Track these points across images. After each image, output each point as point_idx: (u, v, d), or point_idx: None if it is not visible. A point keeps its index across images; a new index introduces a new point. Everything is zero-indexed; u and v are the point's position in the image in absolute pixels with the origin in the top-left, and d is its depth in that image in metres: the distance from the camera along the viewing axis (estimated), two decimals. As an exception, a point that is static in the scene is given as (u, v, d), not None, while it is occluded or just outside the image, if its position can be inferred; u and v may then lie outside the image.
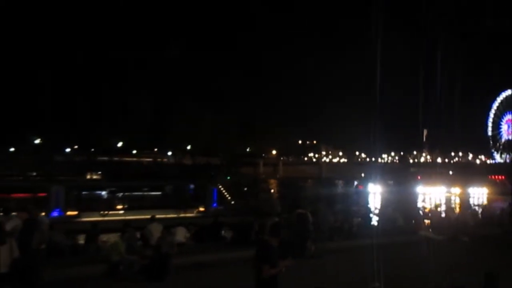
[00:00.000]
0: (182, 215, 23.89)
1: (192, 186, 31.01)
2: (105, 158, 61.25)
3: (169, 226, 14.66)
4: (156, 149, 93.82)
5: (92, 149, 69.24)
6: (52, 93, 65.33)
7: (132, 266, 11.13)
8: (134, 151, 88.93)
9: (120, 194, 28.45)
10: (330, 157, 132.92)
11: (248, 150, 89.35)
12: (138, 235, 14.21)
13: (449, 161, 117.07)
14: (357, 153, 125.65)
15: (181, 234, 15.21)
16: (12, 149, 67.85)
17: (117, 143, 72.63)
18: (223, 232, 16.82)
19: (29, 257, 8.32)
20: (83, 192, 28.49)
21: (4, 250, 7.53)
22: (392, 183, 74.97)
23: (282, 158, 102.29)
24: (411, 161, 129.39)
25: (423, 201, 54.47)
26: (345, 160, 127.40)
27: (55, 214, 24.10)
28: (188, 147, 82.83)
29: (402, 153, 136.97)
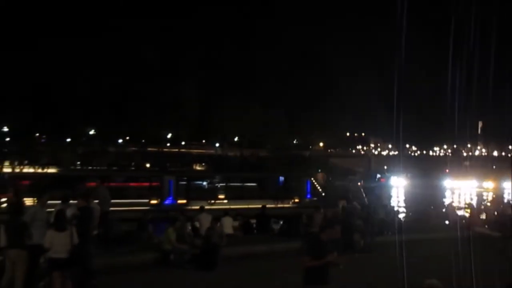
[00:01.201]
0: (279, 205, 24.77)
1: (282, 178, 31.76)
2: (155, 149, 62.73)
3: (218, 216, 14.89)
4: (204, 141, 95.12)
5: (143, 140, 71.09)
6: (104, 85, 67.49)
7: (182, 255, 11.40)
8: (183, 143, 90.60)
9: (222, 185, 29.64)
10: (379, 149, 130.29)
11: (295, 142, 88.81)
12: (189, 225, 14.52)
13: (506, 155, 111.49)
14: (407, 145, 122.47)
15: (228, 225, 15.40)
16: (68, 140, 70.85)
17: (166, 134, 74.31)
18: (271, 224, 16.89)
19: (85, 244, 8.69)
20: (191, 182, 29.80)
21: (64, 237, 7.89)
22: (413, 176, 70.72)
23: (329, 151, 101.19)
24: (464, 154, 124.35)
25: (451, 196, 51.31)
26: (395, 153, 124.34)
27: (168, 202, 25.84)
28: (236, 139, 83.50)
29: (455, 146, 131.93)
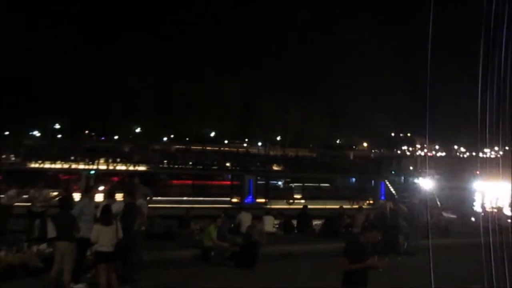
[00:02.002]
0: (355, 206, 24.94)
1: (353, 179, 32.06)
2: (199, 148, 63.67)
3: (258, 215, 14.96)
4: (246, 139, 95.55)
5: (187, 138, 72.36)
6: (149, 84, 69.11)
7: (223, 252, 11.52)
8: (226, 141, 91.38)
9: (298, 185, 30.22)
10: (425, 150, 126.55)
11: (338, 142, 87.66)
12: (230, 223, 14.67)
13: None
14: (455, 146, 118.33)
15: (269, 224, 15.42)
16: (116, 137, 73.07)
17: (209, 132, 75.22)
18: (312, 223, 16.77)
19: (130, 238, 8.95)
20: (269, 182, 30.53)
21: (110, 231, 8.16)
22: (441, 178, 67.52)
23: (373, 151, 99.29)
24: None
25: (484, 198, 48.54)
26: (442, 154, 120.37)
27: (248, 200, 26.75)
28: (278, 138, 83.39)
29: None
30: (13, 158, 27.45)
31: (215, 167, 33.12)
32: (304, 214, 16.76)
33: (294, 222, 16.51)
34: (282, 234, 15.73)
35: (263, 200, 26.70)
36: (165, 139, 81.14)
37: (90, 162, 27.30)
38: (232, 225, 14.88)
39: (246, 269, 10.86)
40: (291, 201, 26.62)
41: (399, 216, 14.43)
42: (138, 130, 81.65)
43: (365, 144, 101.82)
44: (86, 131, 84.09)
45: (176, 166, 32.83)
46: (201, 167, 32.14)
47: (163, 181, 28.60)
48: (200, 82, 67.57)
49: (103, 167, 27.95)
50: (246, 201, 26.43)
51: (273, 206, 22.14)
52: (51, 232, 9.13)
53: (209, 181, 29.94)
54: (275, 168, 36.80)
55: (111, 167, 28.39)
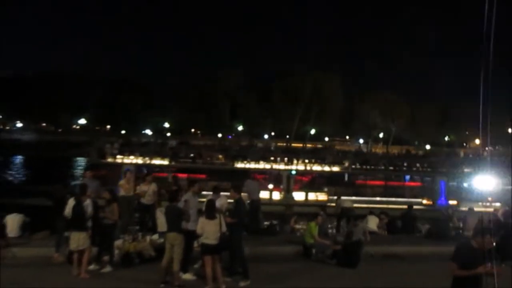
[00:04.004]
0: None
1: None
2: (300, 145, 63.91)
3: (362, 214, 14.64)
4: (347, 137, 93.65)
5: (287, 136, 72.86)
6: (251, 82, 70.83)
7: (324, 250, 11.44)
8: (326, 138, 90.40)
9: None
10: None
11: (446, 139, 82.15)
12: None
13: None
14: None
15: (373, 223, 15.03)
16: (219, 135, 75.99)
17: (310, 130, 74.81)
18: (418, 224, 16.00)
19: (234, 233, 9.28)
20: (460, 183, 30.09)
21: (214, 224, 8.53)
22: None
23: (487, 149, 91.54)
24: None
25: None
26: None
27: (440, 202, 26.50)
28: (381, 135, 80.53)
29: None
30: (219, 160, 29.30)
31: (405, 168, 32.06)
32: (409, 215, 16.07)
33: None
34: (386, 234, 15.24)
35: (455, 202, 24.82)
36: (265, 136, 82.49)
37: (289, 163, 28.60)
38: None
39: (348, 268, 10.69)
40: (484, 203, 24.60)
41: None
42: (240, 128, 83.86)
43: (477, 141, 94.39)
44: (192, 130, 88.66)
45: (368, 167, 32.31)
46: (391, 168, 31.54)
47: (356, 182, 29.04)
48: (300, 76, 67.43)
49: (301, 167, 28.86)
50: (439, 202, 25.30)
51: (463, 209, 20.26)
52: (161, 225, 9.82)
53: (400, 182, 29.62)
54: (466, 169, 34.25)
55: (308, 168, 29.19)
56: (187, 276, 9.22)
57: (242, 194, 10.60)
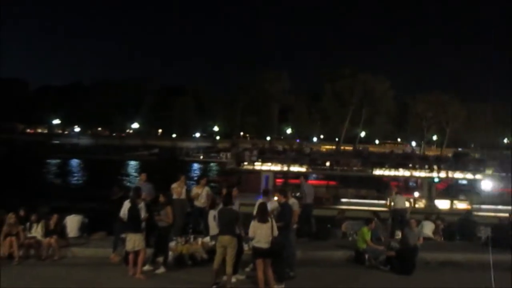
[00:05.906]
0: None
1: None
2: (350, 148, 62.82)
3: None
4: (399, 139, 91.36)
5: (336, 139, 71.97)
6: (300, 86, 70.62)
7: (377, 256, 11.17)
8: (377, 141, 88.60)
9: None
10: None
11: (505, 140, 78.15)
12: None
13: None
14: None
15: (428, 229, 14.53)
16: (268, 138, 76.24)
17: (360, 132, 73.57)
18: (477, 231, 15.24)
19: (284, 236, 9.23)
20: None
21: (266, 228, 8.53)
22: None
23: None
24: None
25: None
26: None
27: None
28: (434, 137, 77.89)
29: None
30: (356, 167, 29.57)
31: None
32: (468, 220, 15.38)
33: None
34: (442, 240, 14.67)
35: None
36: (314, 139, 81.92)
37: (429, 170, 28.33)
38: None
39: (403, 275, 10.37)
40: None
41: None
42: (289, 131, 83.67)
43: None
44: (241, 133, 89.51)
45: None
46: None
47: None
48: (350, 79, 66.49)
49: (442, 174, 28.34)
50: None
51: None
52: (213, 229, 9.96)
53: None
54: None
55: (449, 175, 28.52)
56: (239, 278, 9.29)
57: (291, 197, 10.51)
